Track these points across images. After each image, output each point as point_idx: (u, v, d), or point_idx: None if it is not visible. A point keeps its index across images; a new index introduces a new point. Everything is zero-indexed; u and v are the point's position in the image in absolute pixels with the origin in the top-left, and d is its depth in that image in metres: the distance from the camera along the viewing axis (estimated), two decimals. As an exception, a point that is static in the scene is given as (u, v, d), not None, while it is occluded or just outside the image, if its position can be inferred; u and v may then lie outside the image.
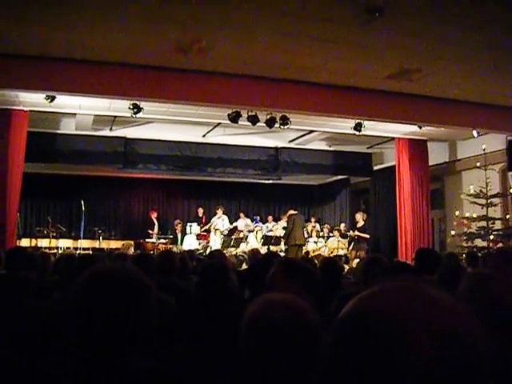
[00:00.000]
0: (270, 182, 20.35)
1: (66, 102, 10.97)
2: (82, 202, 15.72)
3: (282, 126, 12.26)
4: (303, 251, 14.85)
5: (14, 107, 11.30)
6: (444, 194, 15.86)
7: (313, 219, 18.83)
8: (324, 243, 16.75)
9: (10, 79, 9.47)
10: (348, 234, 15.91)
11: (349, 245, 15.57)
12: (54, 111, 11.77)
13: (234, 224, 17.34)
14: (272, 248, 15.03)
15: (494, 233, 12.36)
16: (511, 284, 2.33)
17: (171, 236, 16.67)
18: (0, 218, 10.95)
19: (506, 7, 6.97)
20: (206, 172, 16.93)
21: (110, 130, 14.51)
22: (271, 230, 17.24)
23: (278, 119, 12.10)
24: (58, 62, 9.37)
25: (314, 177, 19.44)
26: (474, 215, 12.60)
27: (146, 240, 15.78)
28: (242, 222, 17.73)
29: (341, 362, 0.86)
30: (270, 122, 12.13)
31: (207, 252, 13.44)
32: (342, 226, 17.33)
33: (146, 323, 1.73)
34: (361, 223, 14.92)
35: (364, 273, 4.32)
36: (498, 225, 12.48)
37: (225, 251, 12.82)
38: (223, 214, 17.25)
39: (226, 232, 16.46)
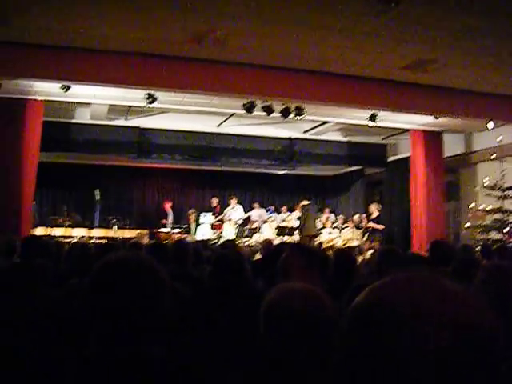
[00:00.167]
0: (285, 172, 20.33)
1: (80, 91, 10.99)
2: (97, 192, 15.79)
3: (296, 117, 12.23)
4: (316, 242, 14.85)
5: (29, 97, 11.34)
6: (459, 186, 15.75)
7: (327, 210, 18.79)
8: (338, 234, 16.73)
9: (24, 69, 9.52)
10: (362, 224, 15.88)
11: (363, 236, 15.53)
12: (68, 101, 11.81)
13: (248, 214, 17.35)
14: (286, 239, 15.04)
15: (509, 225, 12.27)
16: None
17: (185, 226, 16.72)
18: (15, 207, 11.04)
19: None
20: (220, 162, 16.96)
21: (125, 119, 14.54)
22: (285, 221, 17.24)
23: (292, 109, 12.07)
24: (72, 51, 9.40)
25: (328, 167, 19.40)
26: (489, 207, 12.51)
27: (160, 229, 15.84)
28: (257, 213, 17.73)
29: (353, 352, 0.86)
30: (285, 113, 12.09)
31: (220, 242, 13.46)
32: (356, 216, 17.28)
33: (159, 312, 1.73)
34: (375, 214, 14.88)
35: (378, 264, 4.32)
36: (513, 217, 12.40)
37: (238, 241, 12.87)
38: (237, 203, 17.27)
39: (239, 222, 16.48)
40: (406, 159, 15.16)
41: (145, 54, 9.66)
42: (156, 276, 1.78)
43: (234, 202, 17.20)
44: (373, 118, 12.48)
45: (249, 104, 11.63)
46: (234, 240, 12.13)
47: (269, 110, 11.82)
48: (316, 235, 15.36)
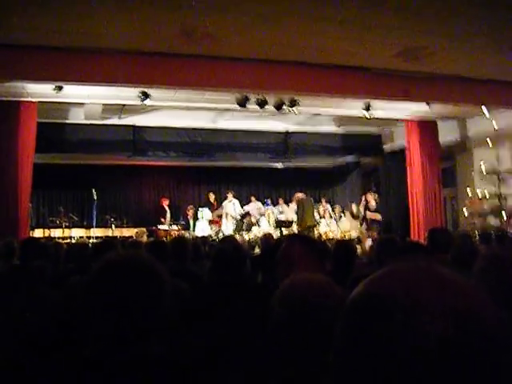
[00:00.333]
0: (280, 165, 20.32)
1: (74, 91, 10.96)
2: (94, 191, 15.78)
3: (290, 109, 12.22)
4: (315, 234, 14.86)
5: (23, 99, 11.32)
6: (455, 172, 15.78)
7: (323, 200, 18.79)
8: (336, 224, 16.75)
9: (16, 71, 9.47)
10: (359, 214, 15.90)
11: (361, 226, 15.55)
12: (62, 101, 11.79)
13: (246, 208, 17.35)
14: (284, 231, 15.05)
15: (506, 210, 12.31)
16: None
17: (183, 222, 16.72)
18: (12, 209, 11.03)
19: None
20: (216, 157, 16.95)
21: (119, 118, 14.50)
22: (282, 212, 17.25)
23: (286, 102, 12.06)
24: (64, 51, 9.35)
25: (324, 159, 19.39)
26: (486, 193, 12.54)
27: (159, 227, 15.84)
28: (254, 206, 17.72)
29: (351, 344, 0.85)
30: (279, 106, 12.09)
31: (220, 237, 13.46)
32: (354, 207, 17.29)
33: (160, 311, 1.73)
34: (372, 204, 14.89)
35: (377, 253, 4.33)
36: (510, 202, 12.42)
37: (237, 236, 12.88)
38: (234, 197, 17.28)
39: (238, 217, 16.49)
40: (402, 148, 15.18)
41: (136, 52, 9.61)
42: (156, 275, 1.77)
43: (230, 195, 17.23)
44: (367, 108, 12.48)
45: (242, 98, 11.61)
46: (232, 235, 12.15)
47: (262, 103, 11.81)
48: (314, 226, 15.37)
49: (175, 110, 14.05)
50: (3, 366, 2.29)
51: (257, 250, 11.36)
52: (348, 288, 3.39)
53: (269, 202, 18.52)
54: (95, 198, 15.72)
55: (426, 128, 14.54)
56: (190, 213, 17.05)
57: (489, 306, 0.83)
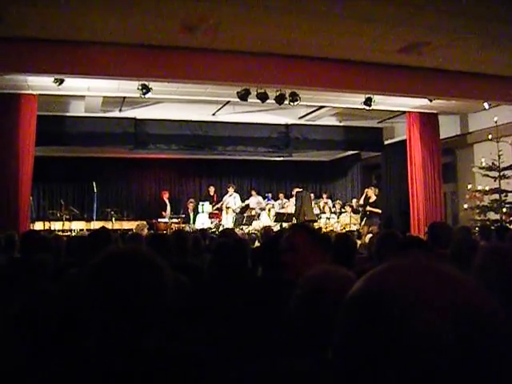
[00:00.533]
0: (281, 159, 20.33)
1: (74, 84, 10.96)
2: (94, 184, 15.78)
3: (291, 103, 12.21)
4: (316, 227, 14.87)
5: (23, 91, 11.32)
6: (456, 167, 15.78)
7: (324, 195, 18.83)
8: (336, 219, 16.76)
9: (17, 63, 9.46)
10: (360, 209, 15.90)
11: (361, 220, 15.56)
12: (63, 94, 11.78)
13: (246, 202, 17.37)
14: (284, 225, 15.05)
15: (506, 205, 12.30)
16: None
17: (183, 215, 16.73)
18: (13, 202, 11.04)
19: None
20: (217, 151, 16.96)
21: (120, 111, 14.51)
22: (283, 207, 17.26)
23: (287, 96, 12.05)
24: (65, 44, 9.33)
25: (324, 153, 19.40)
26: (487, 188, 12.53)
27: (159, 220, 15.84)
28: (254, 200, 17.75)
29: (351, 340, 0.85)
30: (280, 99, 12.08)
31: (219, 230, 13.46)
32: (354, 201, 17.31)
33: (160, 305, 1.73)
34: (373, 198, 14.90)
35: (377, 248, 4.33)
36: (510, 197, 12.41)
37: (237, 229, 12.88)
38: (235, 191, 17.30)
39: (238, 210, 16.50)
40: (403, 142, 15.17)
41: (138, 45, 9.59)
42: (157, 268, 1.78)
43: (231, 189, 17.24)
44: (368, 101, 12.48)
45: (243, 91, 11.60)
46: (232, 228, 12.15)
47: (263, 97, 11.79)
48: (314, 220, 15.37)
49: (176, 102, 14.06)
50: (4, 360, 2.29)
51: (257, 244, 11.37)
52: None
53: (270, 196, 18.53)
54: (95, 190, 15.72)
55: (428, 121, 14.55)
56: (191, 206, 17.06)
57: (488, 301, 0.83)
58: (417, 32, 9.01)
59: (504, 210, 12.17)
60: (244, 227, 15.03)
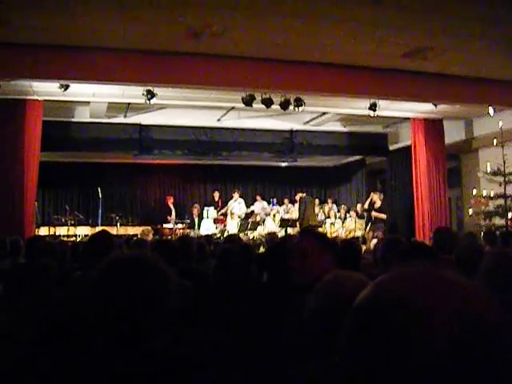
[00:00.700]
0: (286, 164, 20.32)
1: (79, 90, 10.98)
2: (99, 189, 15.80)
3: (296, 108, 12.21)
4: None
5: (29, 97, 11.35)
6: (461, 172, 15.75)
7: (329, 200, 18.82)
8: (341, 224, 16.74)
9: (22, 69, 9.48)
10: (365, 214, 15.88)
11: (366, 225, 15.53)
12: (68, 100, 11.81)
13: (252, 208, 17.37)
14: (289, 230, 15.04)
15: (512, 210, 12.28)
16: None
17: (188, 221, 16.74)
18: (18, 207, 11.06)
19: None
20: (222, 156, 16.98)
21: (125, 116, 14.53)
22: (288, 212, 17.26)
23: (292, 101, 12.05)
24: (70, 50, 9.36)
25: (329, 158, 19.40)
26: (492, 193, 12.50)
27: (164, 225, 15.85)
28: (259, 205, 17.75)
29: (359, 347, 0.85)
30: (285, 105, 12.08)
31: (224, 236, 13.46)
32: (359, 206, 17.28)
33: (164, 309, 1.74)
34: (378, 203, 14.88)
35: (383, 254, 4.32)
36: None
37: (242, 235, 12.87)
38: (240, 197, 17.30)
39: (242, 215, 16.49)
40: (408, 147, 15.15)
41: (143, 51, 9.62)
42: (161, 274, 1.78)
43: (236, 195, 17.24)
44: (373, 107, 12.47)
45: (248, 97, 11.60)
46: (237, 234, 12.14)
47: (268, 102, 11.80)
48: (318, 226, 15.36)
49: (181, 108, 14.08)
50: (9, 364, 2.30)
51: (261, 249, 11.36)
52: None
53: (274, 201, 18.54)
54: (100, 196, 15.74)
55: (432, 126, 14.53)
56: (195, 211, 17.06)
57: (492, 308, 0.83)
58: (421, 37, 9.02)
59: (509, 215, 12.13)
60: (249, 232, 15.03)
